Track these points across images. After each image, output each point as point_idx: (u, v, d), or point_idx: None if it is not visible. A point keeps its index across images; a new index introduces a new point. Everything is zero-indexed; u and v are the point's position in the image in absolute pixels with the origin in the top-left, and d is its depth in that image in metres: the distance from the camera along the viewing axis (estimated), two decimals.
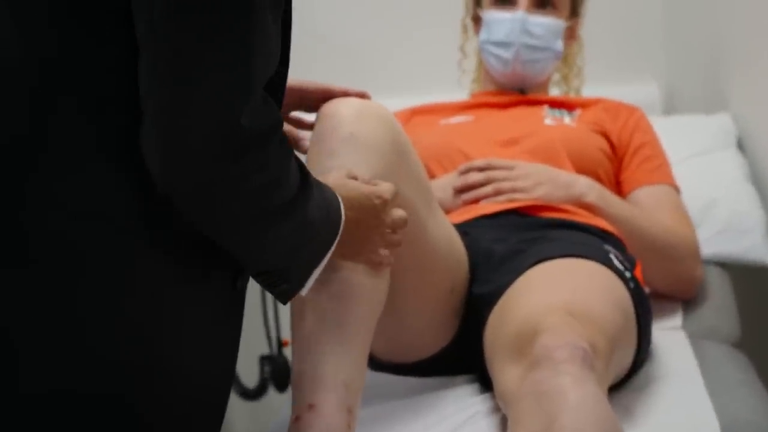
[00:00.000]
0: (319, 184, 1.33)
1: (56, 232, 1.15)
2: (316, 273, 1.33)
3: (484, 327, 1.73)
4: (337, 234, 1.35)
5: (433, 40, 2.75)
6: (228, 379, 1.31)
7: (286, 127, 1.60)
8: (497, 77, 2.35)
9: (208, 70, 1.14)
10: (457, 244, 1.81)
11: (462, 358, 1.81)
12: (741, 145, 2.50)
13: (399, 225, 1.49)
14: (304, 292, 1.33)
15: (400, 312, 1.74)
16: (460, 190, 2.06)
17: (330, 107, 1.60)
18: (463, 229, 1.90)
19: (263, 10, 1.17)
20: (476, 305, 1.80)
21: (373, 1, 2.98)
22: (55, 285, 1.15)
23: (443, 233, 1.76)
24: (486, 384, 1.73)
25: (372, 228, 1.45)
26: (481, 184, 2.05)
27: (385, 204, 1.45)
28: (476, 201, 2.04)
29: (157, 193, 1.18)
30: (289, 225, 1.25)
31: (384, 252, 1.50)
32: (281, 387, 2.69)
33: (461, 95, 2.46)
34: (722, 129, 2.51)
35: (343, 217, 1.36)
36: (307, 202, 1.28)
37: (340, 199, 1.37)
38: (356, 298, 1.51)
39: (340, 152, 1.54)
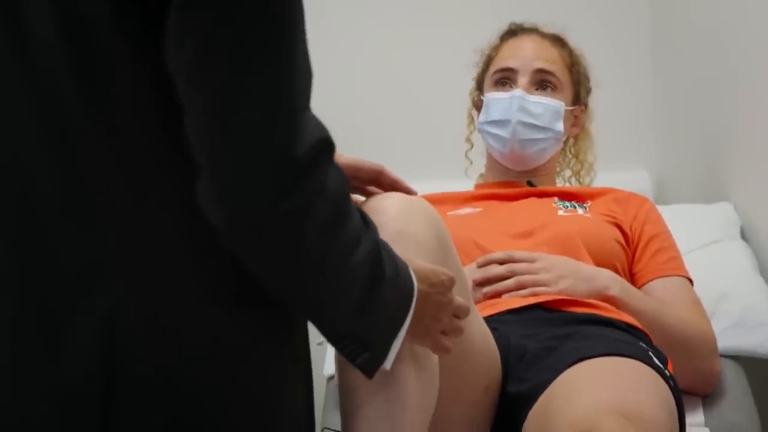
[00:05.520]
0: (385, 242, 1.31)
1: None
2: (397, 344, 1.31)
3: (520, 427, 1.68)
4: (411, 302, 1.32)
5: (440, 129, 2.73)
6: None
7: None
8: (499, 159, 2.32)
9: (249, 113, 1.14)
10: (490, 341, 1.76)
11: None
12: (744, 235, 2.49)
13: (463, 311, 1.44)
14: (387, 365, 1.31)
15: (436, 412, 1.67)
16: (481, 283, 2.01)
17: (375, 203, 1.55)
18: (490, 324, 1.85)
19: (292, 42, 1.16)
20: (512, 404, 1.74)
21: (379, 98, 2.97)
22: None
23: (479, 330, 1.71)
24: None
25: (441, 306, 1.39)
26: (503, 277, 2.00)
27: (452, 282, 1.41)
28: (498, 294, 1.99)
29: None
30: (359, 270, 1.24)
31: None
32: None
33: (468, 185, 2.42)
34: (726, 219, 2.50)
35: (416, 286, 1.33)
36: (375, 246, 1.26)
37: (410, 269, 1.33)
38: (410, 404, 1.44)
39: None
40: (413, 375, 1.45)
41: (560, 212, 2.21)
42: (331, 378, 2.23)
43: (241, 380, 1.23)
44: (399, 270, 1.31)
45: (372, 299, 1.26)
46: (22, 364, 1.20)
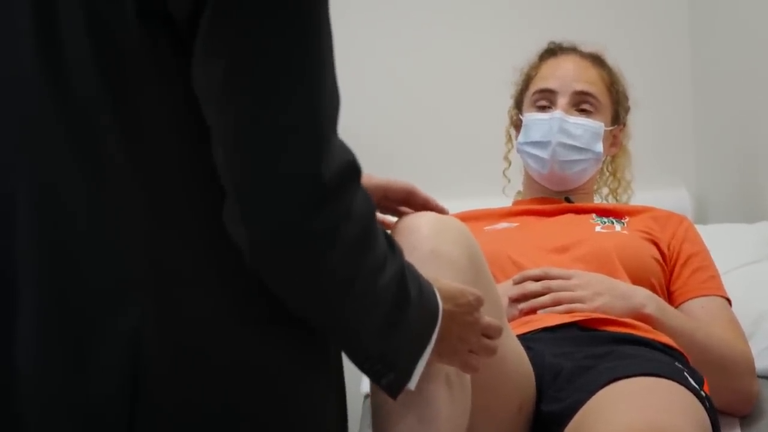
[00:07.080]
0: (409, 263, 1.31)
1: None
2: (421, 365, 1.30)
3: None
4: (435, 323, 1.32)
5: (474, 146, 2.73)
6: None
7: None
8: (538, 179, 2.32)
9: (277, 135, 1.13)
10: (524, 360, 1.76)
11: None
12: None
13: (495, 330, 1.43)
14: (412, 385, 1.30)
15: (469, 431, 1.67)
16: (516, 300, 2.01)
17: (408, 222, 1.55)
18: (524, 342, 1.85)
19: (321, 65, 1.16)
20: (546, 423, 1.74)
21: (414, 113, 2.96)
22: None
23: (513, 348, 1.71)
24: None
25: (468, 325, 1.39)
26: (538, 294, 2.00)
27: (480, 302, 1.40)
28: (533, 311, 1.98)
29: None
30: (384, 293, 1.23)
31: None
32: None
33: (503, 203, 2.42)
34: (766, 238, 2.48)
35: (441, 306, 1.32)
36: (400, 268, 1.26)
37: (435, 289, 1.33)
38: (442, 424, 1.44)
39: (422, 270, 1.49)
40: (445, 394, 1.45)
41: (597, 228, 2.20)
42: (367, 396, 2.23)
43: (269, 401, 1.22)
44: (423, 291, 1.30)
45: (397, 321, 1.25)
46: (51, 382, 1.19)
